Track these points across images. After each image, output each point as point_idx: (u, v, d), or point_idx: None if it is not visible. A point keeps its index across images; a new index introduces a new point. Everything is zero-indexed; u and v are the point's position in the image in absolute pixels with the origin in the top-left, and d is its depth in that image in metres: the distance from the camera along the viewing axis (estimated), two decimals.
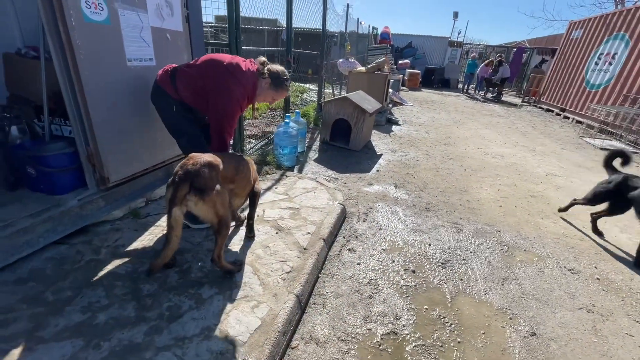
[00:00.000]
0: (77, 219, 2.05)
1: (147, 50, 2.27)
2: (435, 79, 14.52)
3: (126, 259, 1.94)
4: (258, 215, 2.53)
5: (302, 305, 1.80)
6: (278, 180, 3.26)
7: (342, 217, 2.78)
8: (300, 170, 3.77)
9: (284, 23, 5.22)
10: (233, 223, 2.34)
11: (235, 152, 2.19)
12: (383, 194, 3.43)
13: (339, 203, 2.85)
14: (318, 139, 4.98)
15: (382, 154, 4.75)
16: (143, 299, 1.67)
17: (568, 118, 9.07)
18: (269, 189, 3.04)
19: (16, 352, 1.34)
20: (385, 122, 6.74)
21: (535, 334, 1.85)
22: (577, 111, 8.84)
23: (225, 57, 2.11)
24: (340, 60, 7.25)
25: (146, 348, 1.40)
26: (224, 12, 3.09)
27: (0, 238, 1.71)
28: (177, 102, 2.07)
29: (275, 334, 1.53)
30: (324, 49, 6.09)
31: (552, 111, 10.07)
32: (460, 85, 14.52)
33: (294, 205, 2.74)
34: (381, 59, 6.85)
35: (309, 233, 2.36)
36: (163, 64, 2.35)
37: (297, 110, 4.43)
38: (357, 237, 2.61)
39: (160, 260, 1.66)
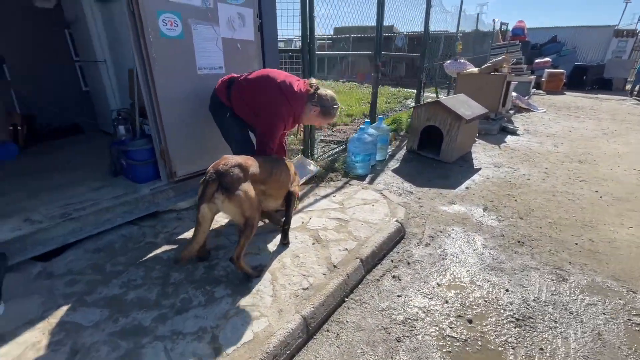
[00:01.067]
0: (149, 205, 2.41)
1: (217, 60, 2.50)
2: (588, 79, 11.47)
3: (174, 246, 2.16)
4: (302, 222, 2.45)
5: (309, 329, 1.61)
6: (339, 189, 3.10)
7: (397, 238, 2.41)
8: (372, 180, 3.50)
9: (400, 29, 5.12)
10: (261, 222, 2.34)
11: (273, 155, 2.19)
12: (464, 216, 2.84)
13: (396, 220, 2.50)
14: (405, 147, 4.57)
15: (480, 169, 3.98)
16: (168, 286, 1.80)
17: None
18: (326, 196, 2.92)
19: (64, 308, 1.64)
20: (498, 131, 5.67)
21: None
22: None
23: (280, 75, 2.15)
24: (448, 61, 6.51)
25: (147, 333, 1.49)
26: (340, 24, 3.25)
27: (90, 214, 2.15)
28: (230, 110, 2.19)
29: (263, 354, 1.40)
30: (425, 51, 5.57)
31: None
32: (629, 87, 11.03)
33: (343, 217, 2.54)
34: (499, 58, 5.81)
35: (346, 249, 2.13)
36: (232, 71, 2.54)
37: (380, 117, 4.16)
38: (409, 263, 2.21)
39: (187, 252, 1.76)
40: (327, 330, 1.68)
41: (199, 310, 1.63)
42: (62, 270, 1.90)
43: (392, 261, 2.23)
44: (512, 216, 2.86)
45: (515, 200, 3.17)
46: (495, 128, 5.61)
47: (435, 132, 4.12)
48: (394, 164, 4.07)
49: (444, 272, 2.13)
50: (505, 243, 2.46)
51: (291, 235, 2.24)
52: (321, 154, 3.85)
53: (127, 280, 1.83)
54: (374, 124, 4.09)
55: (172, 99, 2.29)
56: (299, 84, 2.15)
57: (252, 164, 1.86)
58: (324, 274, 1.91)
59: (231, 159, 1.79)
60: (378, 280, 2.05)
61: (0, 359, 1.37)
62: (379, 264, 2.19)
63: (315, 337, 1.64)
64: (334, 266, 1.97)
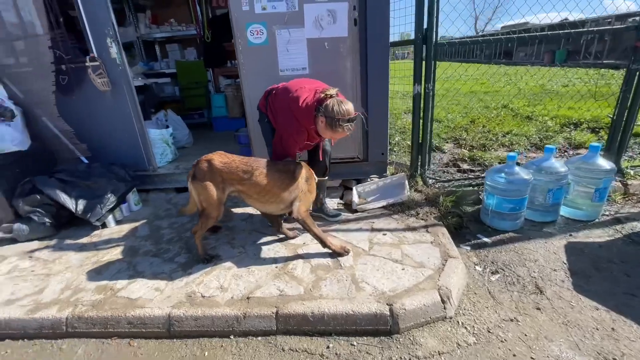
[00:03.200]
0: None
1: (300, 61, 2.56)
2: None
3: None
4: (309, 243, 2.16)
5: None
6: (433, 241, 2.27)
7: None
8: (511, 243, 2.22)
9: None
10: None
11: (282, 163, 2.05)
12: None
13: None
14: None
15: None
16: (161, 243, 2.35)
17: None
18: (394, 245, 2.26)
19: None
20: None
21: None
22: None
23: (298, 86, 2.05)
24: None
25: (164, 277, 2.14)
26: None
27: None
28: (266, 116, 2.27)
29: None
30: None
31: None
32: None
33: (349, 271, 1.95)
34: None
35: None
36: (317, 71, 2.54)
37: (548, 147, 2.35)
38: None
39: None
40: None
41: (180, 271, 2.06)
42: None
43: None
44: None
45: None
46: None
47: None
48: (595, 234, 2.26)
49: None
50: None
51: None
52: (444, 180, 2.85)
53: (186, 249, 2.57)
54: (585, 156, 2.41)
55: (256, 98, 2.65)
56: (307, 97, 1.95)
57: (225, 162, 1.96)
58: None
59: (209, 155, 1.99)
60: None
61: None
62: None
63: None
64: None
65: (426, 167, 2.73)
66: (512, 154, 2.28)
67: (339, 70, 2.57)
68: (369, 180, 2.94)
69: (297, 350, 1.55)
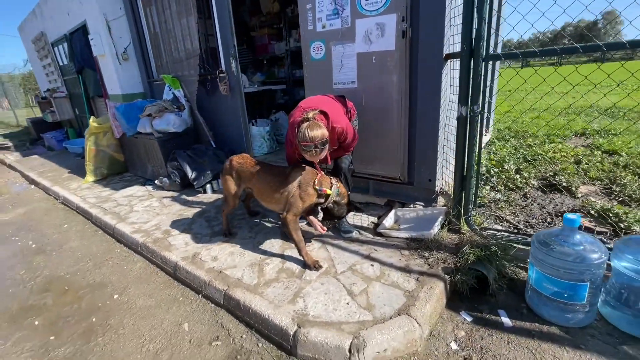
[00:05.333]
0: None
1: (351, 75, 2.61)
2: None
3: None
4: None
5: None
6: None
7: None
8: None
9: None
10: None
11: (288, 169, 2.23)
12: None
13: None
14: None
15: None
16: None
17: None
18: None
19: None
20: None
21: None
22: None
23: (306, 104, 2.22)
24: None
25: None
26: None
27: None
28: None
29: None
30: None
31: None
32: None
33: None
34: None
35: None
36: (364, 85, 2.59)
37: None
38: None
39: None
40: None
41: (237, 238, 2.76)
42: None
43: None
44: None
45: None
46: None
47: None
48: None
49: None
50: None
51: None
52: (499, 229, 2.18)
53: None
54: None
55: None
56: (297, 116, 2.09)
57: (240, 162, 2.39)
58: None
59: (233, 156, 2.47)
60: None
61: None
62: None
63: None
64: None
65: (470, 205, 2.18)
66: (572, 215, 1.55)
67: (385, 84, 2.44)
68: (412, 206, 2.65)
69: (224, 328, 1.82)
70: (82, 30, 5.24)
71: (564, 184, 2.99)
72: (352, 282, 1.90)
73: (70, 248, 2.90)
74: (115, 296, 2.18)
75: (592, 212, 2.55)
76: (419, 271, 1.95)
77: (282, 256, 2.25)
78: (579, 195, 2.91)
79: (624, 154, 3.66)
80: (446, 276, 1.89)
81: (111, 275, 2.43)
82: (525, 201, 2.92)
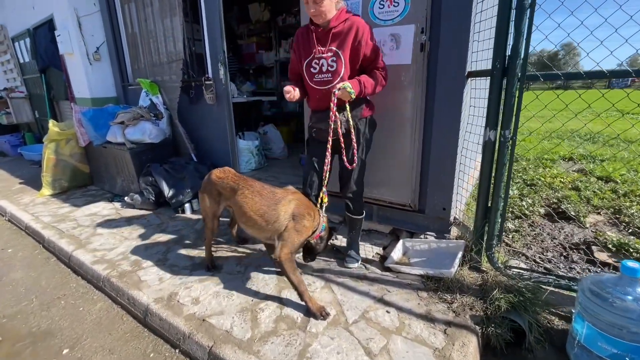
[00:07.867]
0: None
1: None
2: None
3: None
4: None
5: None
6: None
7: None
8: None
9: None
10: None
11: (279, 191, 1.89)
12: None
13: None
14: None
15: None
16: None
17: None
18: None
19: None
20: None
21: None
22: None
23: None
24: None
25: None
26: None
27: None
28: None
29: None
30: None
31: None
32: None
33: None
34: None
35: None
36: (376, 101, 2.30)
37: None
38: None
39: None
40: None
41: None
42: None
43: None
44: None
45: None
46: None
47: None
48: None
49: None
50: None
51: None
52: (528, 269, 1.95)
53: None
54: None
55: None
56: None
57: (221, 177, 2.01)
58: None
59: (214, 170, 2.09)
60: None
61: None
62: None
63: None
64: None
65: (495, 241, 1.94)
66: (632, 264, 1.33)
67: (399, 101, 2.20)
68: (422, 237, 2.38)
69: None
70: (48, 26, 4.71)
71: (572, 213, 2.85)
72: (369, 337, 1.57)
73: (11, 281, 2.37)
74: (65, 351, 1.72)
75: (609, 245, 2.40)
76: (444, 320, 1.66)
77: (280, 299, 1.88)
78: (588, 225, 2.78)
79: (619, 180, 3.64)
80: (477, 327, 1.61)
81: (62, 319, 1.95)
82: (534, 230, 2.76)
